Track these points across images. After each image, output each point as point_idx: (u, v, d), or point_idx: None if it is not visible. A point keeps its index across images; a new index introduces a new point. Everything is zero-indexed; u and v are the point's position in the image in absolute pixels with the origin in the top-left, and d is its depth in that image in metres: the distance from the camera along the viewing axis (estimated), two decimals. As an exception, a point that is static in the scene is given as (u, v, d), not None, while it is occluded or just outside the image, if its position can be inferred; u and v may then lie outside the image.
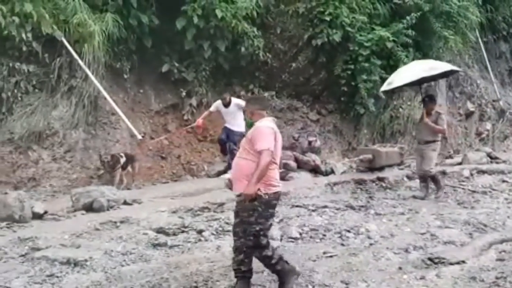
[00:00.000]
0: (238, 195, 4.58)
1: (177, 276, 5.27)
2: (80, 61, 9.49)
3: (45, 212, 7.57)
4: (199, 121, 10.53)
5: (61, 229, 6.96)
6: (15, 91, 9.03)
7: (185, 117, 11.53)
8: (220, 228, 7.01)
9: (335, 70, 12.35)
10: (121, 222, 7.20)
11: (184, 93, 11.57)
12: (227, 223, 7.13)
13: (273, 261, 4.68)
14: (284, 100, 12.66)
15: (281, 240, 6.64)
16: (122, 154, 9.76)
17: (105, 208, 7.79)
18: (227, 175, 9.28)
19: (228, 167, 9.82)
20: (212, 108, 10.56)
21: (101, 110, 10.31)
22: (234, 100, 10.24)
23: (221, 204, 8.02)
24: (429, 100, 9.45)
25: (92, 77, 9.60)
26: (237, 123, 10.19)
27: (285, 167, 10.26)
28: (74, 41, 9.62)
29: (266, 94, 12.19)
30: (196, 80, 11.60)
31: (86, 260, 5.73)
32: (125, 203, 8.20)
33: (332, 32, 11.96)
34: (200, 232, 6.81)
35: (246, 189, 4.37)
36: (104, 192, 8.03)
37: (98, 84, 9.66)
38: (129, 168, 9.94)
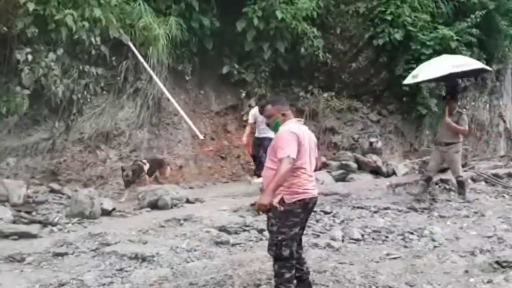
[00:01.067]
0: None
1: (240, 273, 5.36)
2: (145, 64, 9.81)
3: (113, 209, 7.88)
4: (244, 140, 9.98)
5: (128, 225, 7.23)
6: (85, 93, 9.41)
7: (244, 118, 11.67)
8: (282, 228, 7.04)
9: (396, 70, 12.16)
10: (185, 219, 7.40)
11: (243, 94, 11.73)
12: (288, 223, 7.18)
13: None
14: (343, 100, 12.57)
15: (342, 241, 6.63)
16: (145, 161, 9.33)
17: (169, 206, 8.03)
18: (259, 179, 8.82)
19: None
20: (250, 120, 9.95)
21: (164, 111, 10.63)
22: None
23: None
24: (450, 98, 8.90)
25: (156, 79, 9.89)
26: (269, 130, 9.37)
27: (345, 168, 10.21)
28: (140, 44, 9.94)
29: (325, 94, 12.16)
30: (255, 81, 11.72)
31: (153, 256, 5.93)
32: (187, 201, 8.42)
33: (393, 32, 11.82)
34: (261, 231, 6.88)
35: (260, 199, 4.10)
36: (168, 191, 8.28)
37: (162, 86, 9.94)
38: (156, 173, 9.56)
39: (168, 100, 10.18)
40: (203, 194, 8.91)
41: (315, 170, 4.55)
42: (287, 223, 4.19)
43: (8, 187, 7.85)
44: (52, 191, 8.57)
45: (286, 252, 4.24)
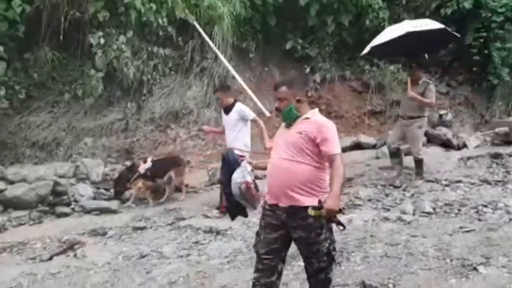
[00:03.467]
0: (290, 209, 3.51)
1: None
2: (210, 43, 9.97)
3: (186, 185, 8.16)
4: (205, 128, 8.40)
5: (200, 201, 7.51)
6: (154, 73, 9.72)
7: (309, 94, 11.63)
8: (350, 202, 7.09)
9: (465, 40, 11.69)
10: (255, 195, 7.55)
11: (308, 70, 11.67)
12: (356, 198, 7.21)
13: None
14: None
15: (413, 214, 6.58)
16: (148, 159, 8.05)
17: (238, 182, 8.19)
18: None
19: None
20: None
21: (230, 89, 10.76)
22: (239, 106, 7.16)
23: (349, 179, 8.07)
24: (416, 67, 8.04)
25: (222, 58, 10.04)
26: (239, 142, 6.92)
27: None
28: (205, 23, 10.10)
29: (392, 67, 11.90)
30: (319, 55, 11.63)
31: (226, 230, 6.15)
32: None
33: (462, 0, 11.35)
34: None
35: (329, 203, 3.31)
36: (237, 167, 8.44)
37: (227, 64, 10.08)
38: (171, 173, 7.95)
39: (234, 78, 10.31)
40: (271, 170, 9.02)
41: None
42: (329, 225, 3.57)
43: (87, 166, 8.29)
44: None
45: (336, 255, 3.77)
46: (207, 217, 6.82)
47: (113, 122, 9.42)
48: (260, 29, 11.26)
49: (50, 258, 5.65)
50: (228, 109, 7.07)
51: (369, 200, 7.13)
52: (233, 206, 4.12)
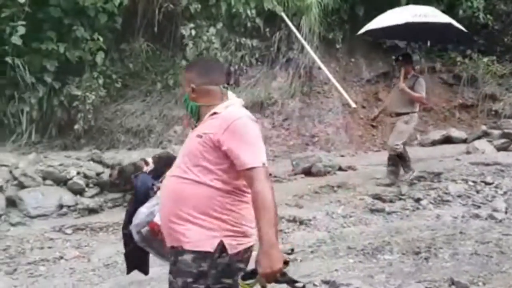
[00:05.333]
0: (172, 250, 2.32)
1: (398, 240, 5.38)
2: (297, 34, 10.02)
3: (270, 175, 8.25)
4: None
5: (284, 190, 7.56)
6: (241, 64, 9.93)
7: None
8: (439, 198, 6.89)
9: None
10: (338, 186, 7.56)
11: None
12: (445, 193, 7.00)
13: None
14: (506, 65, 11.64)
15: (506, 212, 6.29)
16: (149, 160, 6.75)
17: (322, 173, 8.21)
18: None
19: None
20: None
21: (315, 80, 10.79)
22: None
23: (438, 174, 7.85)
24: (404, 60, 7.44)
25: (308, 48, 10.06)
26: None
27: (508, 137, 9.53)
28: (292, 14, 10.16)
29: (485, 59, 11.36)
30: (408, 46, 11.28)
31: (310, 220, 6.19)
32: (340, 169, 8.53)
33: None
34: (417, 200, 6.78)
35: (265, 264, 2.07)
36: (321, 158, 8.46)
37: (313, 55, 10.08)
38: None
39: (319, 68, 10.30)
40: (355, 162, 8.96)
41: None
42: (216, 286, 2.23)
43: (177, 152, 8.59)
44: (213, 157, 9.23)
45: None
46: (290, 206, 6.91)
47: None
48: (348, 19, 11.16)
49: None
50: None
51: (459, 196, 6.89)
52: (131, 253, 2.73)
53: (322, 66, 10.10)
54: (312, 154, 8.74)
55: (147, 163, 5.97)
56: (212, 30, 9.15)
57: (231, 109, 2.34)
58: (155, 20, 9.01)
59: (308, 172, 8.29)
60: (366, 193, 7.14)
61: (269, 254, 2.06)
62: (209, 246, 2.21)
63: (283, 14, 10.00)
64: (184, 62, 9.00)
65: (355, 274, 4.58)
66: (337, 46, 11.27)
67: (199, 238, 2.21)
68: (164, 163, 6.08)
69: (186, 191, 2.25)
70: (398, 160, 7.43)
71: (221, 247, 2.21)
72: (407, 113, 7.29)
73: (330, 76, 10.09)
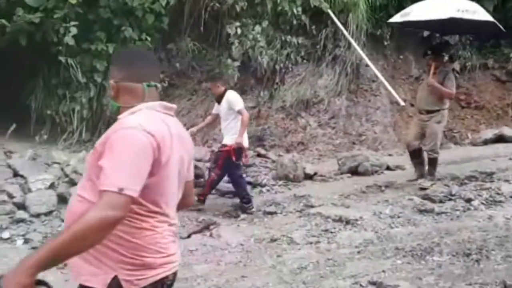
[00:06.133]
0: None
1: (448, 242, 5.23)
2: (344, 31, 9.89)
3: (315, 174, 8.21)
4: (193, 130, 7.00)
5: (330, 189, 7.50)
6: (287, 62, 9.88)
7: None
8: (491, 198, 6.65)
9: None
10: (386, 186, 7.44)
11: (446, 58, 11.06)
12: (498, 194, 6.75)
13: None
14: None
15: None
16: None
17: (369, 172, 8.09)
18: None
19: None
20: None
21: (362, 78, 10.63)
22: (228, 95, 6.67)
23: (490, 174, 7.61)
24: (433, 53, 7.11)
25: (355, 45, 9.91)
26: (229, 133, 6.62)
27: None
28: (339, 11, 10.03)
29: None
30: (459, 43, 11.01)
31: (356, 220, 6.08)
32: (388, 168, 8.37)
33: None
34: (468, 200, 6.56)
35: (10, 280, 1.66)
36: (368, 157, 8.33)
37: (361, 52, 9.93)
38: None
39: (367, 66, 10.14)
40: (404, 161, 8.76)
41: (179, 209, 2.19)
42: None
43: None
44: (259, 155, 9.20)
45: None
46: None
47: (246, 110, 9.71)
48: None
49: (189, 236, 5.99)
50: (220, 99, 6.70)
51: (512, 196, 6.64)
52: None
53: (369, 63, 9.93)
54: (359, 153, 8.61)
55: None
56: (257, 28, 9.14)
57: (129, 116, 1.95)
58: (201, 20, 9.07)
59: (354, 172, 8.18)
60: (415, 193, 6.98)
61: (17, 266, 1.66)
62: (101, 282, 1.86)
63: (330, 11, 9.89)
64: (229, 61, 9.04)
65: (403, 275, 4.47)
66: (385, 43, 11.06)
67: (90, 272, 1.89)
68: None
69: (77, 213, 1.83)
70: (421, 154, 7.30)
71: (117, 284, 1.86)
72: (438, 111, 7.07)
73: (378, 73, 9.91)
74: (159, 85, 2.11)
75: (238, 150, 6.51)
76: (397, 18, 7.63)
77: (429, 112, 7.10)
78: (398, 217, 6.18)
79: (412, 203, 6.61)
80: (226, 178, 6.96)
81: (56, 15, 7.78)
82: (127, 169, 1.78)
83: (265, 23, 9.29)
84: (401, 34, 11.13)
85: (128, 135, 1.83)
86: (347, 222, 6.08)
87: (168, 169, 1.94)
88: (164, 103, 2.06)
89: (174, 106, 2.12)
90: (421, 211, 6.37)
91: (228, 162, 6.55)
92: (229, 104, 6.54)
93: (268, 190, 7.77)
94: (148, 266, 1.91)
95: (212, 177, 6.73)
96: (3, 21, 7.49)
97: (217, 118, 6.99)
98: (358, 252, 5.17)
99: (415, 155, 7.37)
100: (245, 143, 6.69)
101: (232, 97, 6.66)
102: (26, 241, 5.45)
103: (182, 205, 2.21)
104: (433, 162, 7.23)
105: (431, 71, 7.04)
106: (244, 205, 6.71)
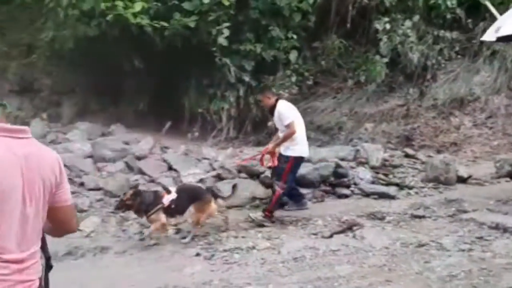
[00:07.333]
0: None
1: None
2: (505, 23, 9.06)
3: (469, 177, 7.66)
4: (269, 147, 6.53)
5: (485, 194, 6.95)
6: (439, 58, 9.39)
7: None
8: None
9: None
10: (552, 193, 6.68)
11: None
12: None
13: None
14: None
15: None
16: (171, 189, 5.71)
17: (532, 177, 7.34)
18: None
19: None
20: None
21: (526, 74, 9.70)
22: (280, 105, 6.33)
23: None
24: None
25: (518, 39, 9.05)
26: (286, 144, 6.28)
27: None
28: (498, 3, 9.22)
29: None
30: None
31: (516, 228, 5.54)
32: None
33: None
34: None
35: None
36: (531, 160, 7.57)
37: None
38: (191, 209, 5.63)
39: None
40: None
41: (56, 235, 2.08)
42: None
43: (367, 150, 8.44)
44: (407, 155, 8.83)
45: None
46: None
47: (394, 108, 9.41)
48: None
49: (331, 236, 5.92)
50: (272, 110, 6.35)
51: None
52: None
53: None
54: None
55: (168, 192, 5.66)
56: (408, 23, 8.80)
57: None
58: (348, 17, 8.95)
59: (514, 176, 7.49)
60: None
61: None
62: None
63: (488, 3, 9.12)
64: (377, 57, 8.82)
65: None
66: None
67: None
68: (187, 196, 5.67)
69: None
70: None
71: None
72: None
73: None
74: (7, 105, 1.92)
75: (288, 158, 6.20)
76: (489, 34, 6.59)
77: None
78: None
79: None
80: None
81: (210, 18, 8.18)
82: None
83: (416, 18, 8.92)
84: None
85: None
86: (505, 230, 5.56)
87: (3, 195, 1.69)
88: (7, 125, 1.80)
89: (22, 128, 1.83)
90: None
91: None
92: (280, 115, 6.30)
93: (416, 193, 7.42)
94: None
95: (277, 192, 6.33)
96: (163, 23, 8.04)
97: None
98: (517, 263, 4.70)
99: None
100: (303, 153, 6.39)
101: (282, 108, 6.34)
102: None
103: (58, 232, 2.04)
104: None
105: None
106: (272, 207, 6.34)
